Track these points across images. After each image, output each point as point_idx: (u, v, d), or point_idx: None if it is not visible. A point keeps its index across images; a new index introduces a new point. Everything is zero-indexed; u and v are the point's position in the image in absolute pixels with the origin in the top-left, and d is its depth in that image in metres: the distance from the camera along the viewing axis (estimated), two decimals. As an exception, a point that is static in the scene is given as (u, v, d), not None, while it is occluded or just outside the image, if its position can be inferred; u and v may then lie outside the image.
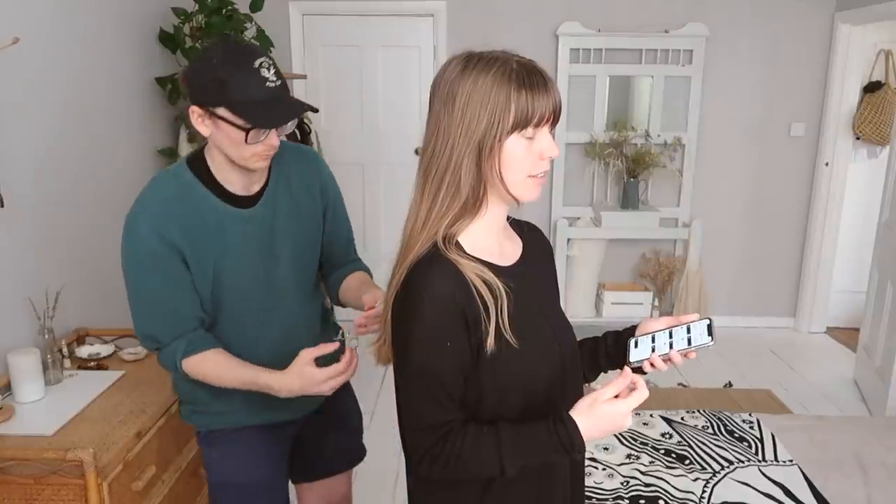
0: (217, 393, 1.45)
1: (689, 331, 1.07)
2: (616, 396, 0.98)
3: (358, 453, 1.79)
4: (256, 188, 1.42)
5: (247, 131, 1.26)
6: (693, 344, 1.05)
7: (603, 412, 0.96)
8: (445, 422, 0.98)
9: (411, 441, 1.00)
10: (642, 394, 0.97)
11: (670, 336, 1.08)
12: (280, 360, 1.37)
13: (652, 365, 1.08)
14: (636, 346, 1.09)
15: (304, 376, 1.31)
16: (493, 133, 0.95)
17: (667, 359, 1.07)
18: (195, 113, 1.29)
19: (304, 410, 1.59)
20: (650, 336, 1.09)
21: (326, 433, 1.69)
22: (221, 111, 1.26)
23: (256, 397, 1.42)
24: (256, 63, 1.26)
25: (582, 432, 0.96)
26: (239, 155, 1.31)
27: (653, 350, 1.07)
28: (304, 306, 1.55)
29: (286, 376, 1.33)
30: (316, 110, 1.37)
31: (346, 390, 1.70)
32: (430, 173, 1.00)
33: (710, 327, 1.07)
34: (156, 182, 1.38)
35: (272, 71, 1.28)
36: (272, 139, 1.31)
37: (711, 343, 1.05)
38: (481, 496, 1.05)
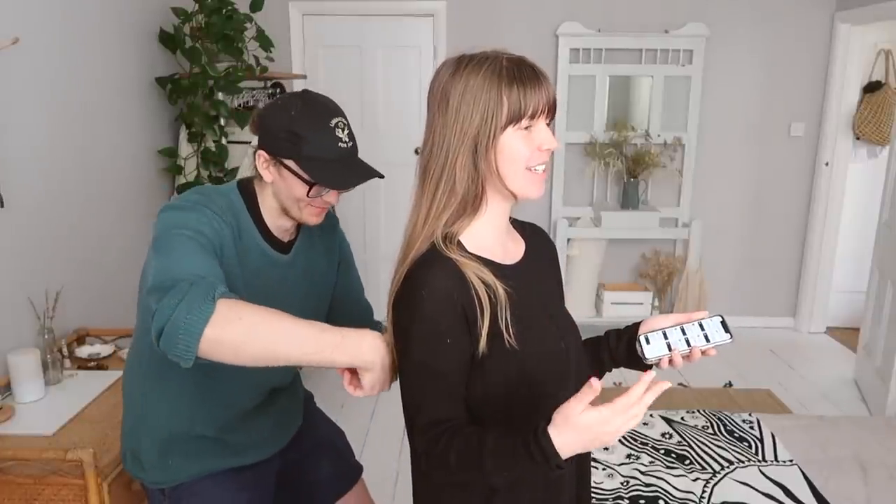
0: (171, 439, 1.37)
1: (702, 327, 1.08)
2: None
3: (355, 469, 1.71)
4: (287, 238, 1.41)
5: (311, 185, 1.26)
6: (711, 341, 1.06)
7: (578, 423, 0.86)
8: (444, 419, 0.97)
9: (412, 437, 1.00)
10: (625, 401, 0.86)
11: (684, 333, 1.08)
12: (257, 405, 1.39)
13: (670, 361, 1.07)
14: (647, 342, 1.09)
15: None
16: (487, 130, 0.97)
17: (686, 355, 1.07)
18: (262, 157, 1.29)
19: (273, 447, 1.52)
20: (660, 332, 1.09)
21: (315, 462, 1.61)
22: (290, 163, 1.26)
23: (220, 441, 1.39)
24: (333, 122, 1.26)
25: (559, 447, 0.87)
26: (295, 207, 1.31)
27: (668, 347, 1.07)
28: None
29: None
30: (382, 176, 1.32)
31: (316, 414, 1.67)
32: (427, 173, 1.02)
33: (724, 324, 1.07)
34: (212, 188, 1.35)
35: (346, 132, 1.29)
36: (332, 197, 1.32)
37: (730, 340, 1.06)
38: (489, 497, 1.03)
